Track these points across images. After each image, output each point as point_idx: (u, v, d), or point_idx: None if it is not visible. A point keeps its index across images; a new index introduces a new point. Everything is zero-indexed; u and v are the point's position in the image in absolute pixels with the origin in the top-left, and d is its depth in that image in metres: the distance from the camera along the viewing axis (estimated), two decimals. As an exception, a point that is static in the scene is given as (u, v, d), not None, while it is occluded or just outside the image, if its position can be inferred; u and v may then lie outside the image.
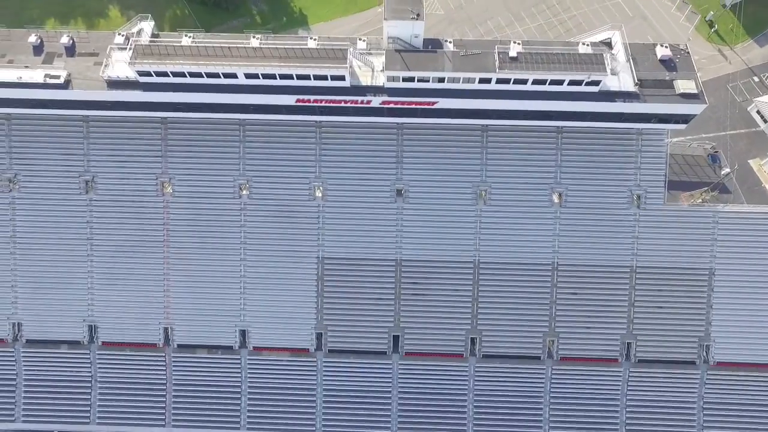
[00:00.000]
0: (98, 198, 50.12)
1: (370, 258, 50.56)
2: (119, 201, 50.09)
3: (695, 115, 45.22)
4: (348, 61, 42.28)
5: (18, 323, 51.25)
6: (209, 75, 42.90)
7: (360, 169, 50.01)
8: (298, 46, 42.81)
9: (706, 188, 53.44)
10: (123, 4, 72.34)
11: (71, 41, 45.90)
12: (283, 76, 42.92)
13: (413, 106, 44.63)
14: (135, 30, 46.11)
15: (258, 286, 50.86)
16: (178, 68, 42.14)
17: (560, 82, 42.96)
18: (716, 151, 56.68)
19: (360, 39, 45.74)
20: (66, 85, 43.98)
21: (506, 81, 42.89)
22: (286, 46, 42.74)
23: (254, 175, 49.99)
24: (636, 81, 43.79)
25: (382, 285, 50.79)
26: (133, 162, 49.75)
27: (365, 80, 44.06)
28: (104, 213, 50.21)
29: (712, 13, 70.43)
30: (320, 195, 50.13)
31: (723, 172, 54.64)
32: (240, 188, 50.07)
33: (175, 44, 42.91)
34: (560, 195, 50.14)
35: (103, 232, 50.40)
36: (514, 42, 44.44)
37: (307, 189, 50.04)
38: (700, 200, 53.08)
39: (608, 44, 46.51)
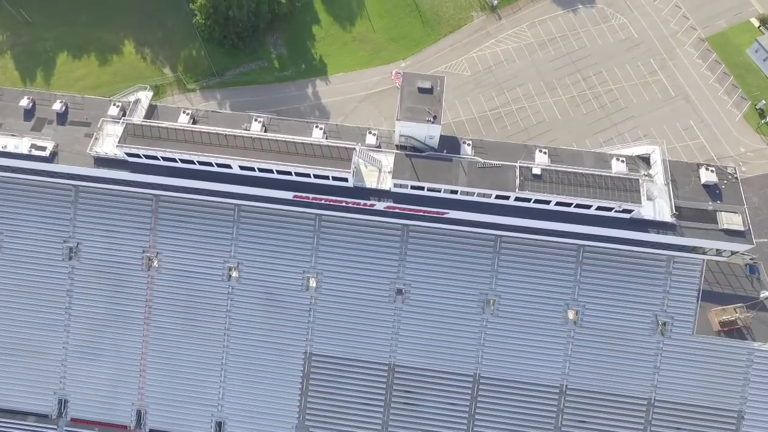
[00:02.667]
0: (81, 266, 47.25)
1: (361, 359, 46.57)
2: (102, 272, 47.12)
3: (737, 252, 40.12)
4: (353, 163, 38.40)
5: (-14, 390, 48.83)
6: (201, 163, 39.56)
7: (359, 263, 46.06)
8: (299, 141, 39.04)
9: (741, 305, 47.97)
10: (138, 41, 69.71)
11: (64, 107, 43.13)
12: (281, 171, 39.31)
13: (421, 214, 40.60)
14: (132, 99, 43.14)
15: (239, 377, 47.31)
16: (168, 154, 38.88)
17: (587, 206, 38.37)
18: (756, 262, 51.02)
19: (370, 132, 41.78)
20: (51, 158, 41.25)
21: (527, 199, 38.49)
22: (286, 140, 39.03)
23: (246, 258, 46.49)
24: (674, 211, 38.94)
25: (371, 389, 46.73)
26: (120, 233, 46.73)
27: (371, 182, 40.15)
28: (85, 283, 47.33)
29: (764, 102, 64.38)
30: (314, 286, 46.35)
31: (762, 295, 49.06)
32: (229, 271, 46.64)
33: (168, 127, 39.62)
34: (576, 313, 45.38)
35: (83, 303, 47.52)
36: (540, 150, 40.09)
37: (300, 279, 46.31)
38: (734, 318, 47.66)
39: (646, 160, 41.71)
